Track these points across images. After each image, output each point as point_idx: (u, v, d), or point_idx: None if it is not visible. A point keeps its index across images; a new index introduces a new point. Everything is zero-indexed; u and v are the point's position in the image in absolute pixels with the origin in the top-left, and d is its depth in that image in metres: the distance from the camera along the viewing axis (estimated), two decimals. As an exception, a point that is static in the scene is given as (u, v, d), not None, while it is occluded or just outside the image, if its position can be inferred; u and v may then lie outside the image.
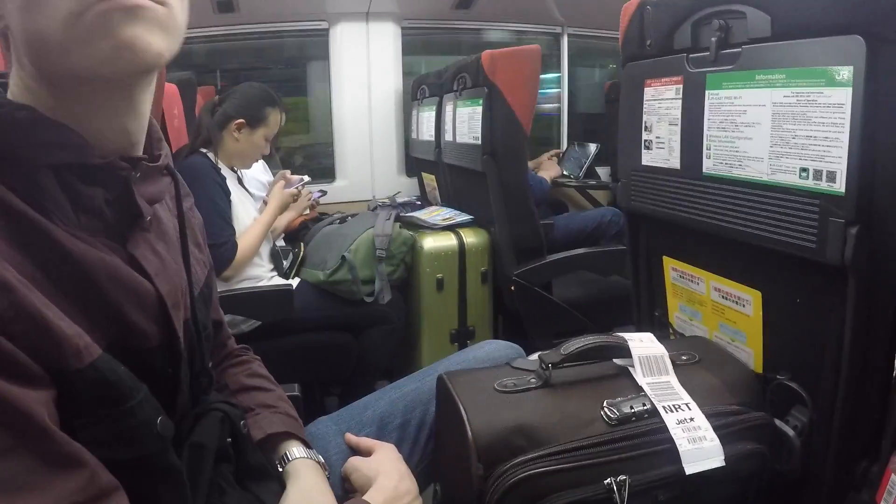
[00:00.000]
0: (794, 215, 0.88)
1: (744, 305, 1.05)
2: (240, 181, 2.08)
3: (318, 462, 0.85)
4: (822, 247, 0.84)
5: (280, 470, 0.82)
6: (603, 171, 3.23)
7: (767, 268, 0.98)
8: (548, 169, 2.85)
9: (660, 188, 1.12)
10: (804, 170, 0.88)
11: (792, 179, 0.89)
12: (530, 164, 2.79)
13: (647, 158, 1.16)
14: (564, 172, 2.96)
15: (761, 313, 1.02)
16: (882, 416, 0.90)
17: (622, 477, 0.83)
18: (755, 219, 0.94)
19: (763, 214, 0.93)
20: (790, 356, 1.00)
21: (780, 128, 0.91)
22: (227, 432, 0.75)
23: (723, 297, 1.10)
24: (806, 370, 0.97)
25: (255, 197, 2.17)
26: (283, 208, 2.11)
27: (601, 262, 2.11)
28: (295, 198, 2.16)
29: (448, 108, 2.37)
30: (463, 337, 2.25)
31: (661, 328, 1.26)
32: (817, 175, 0.86)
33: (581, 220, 2.59)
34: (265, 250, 2.05)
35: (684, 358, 1.01)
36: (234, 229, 1.87)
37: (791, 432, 0.98)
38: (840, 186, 0.82)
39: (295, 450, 0.84)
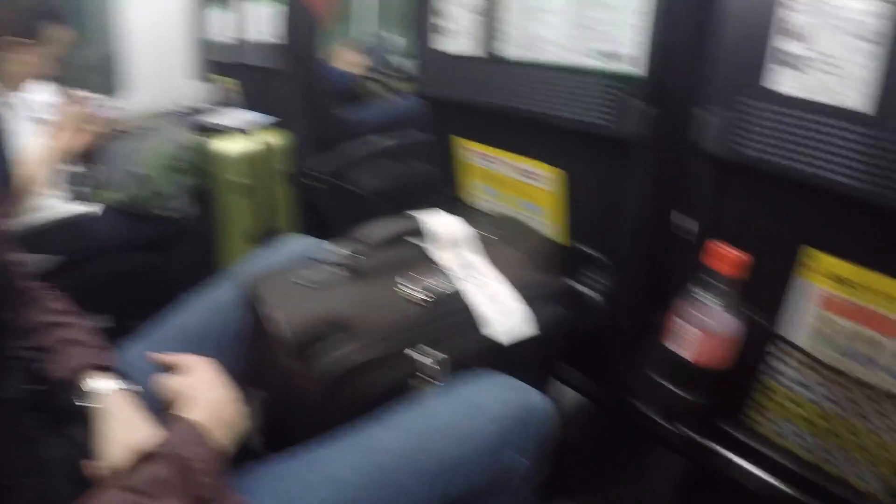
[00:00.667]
0: (594, 97, 0.93)
1: (544, 182, 1.12)
2: (25, 107, 1.84)
3: (135, 391, 0.82)
4: (620, 126, 0.91)
5: (94, 407, 0.79)
6: (408, 62, 3.20)
7: (567, 146, 1.05)
8: (348, 60, 2.77)
9: (458, 73, 1.13)
10: (602, 52, 0.92)
11: (591, 62, 0.94)
12: (330, 56, 2.70)
13: (445, 44, 1.16)
14: (368, 64, 2.90)
15: (561, 189, 1.08)
16: (669, 273, 1.02)
17: (434, 352, 0.88)
18: (555, 100, 0.98)
19: (564, 96, 0.97)
20: (589, 226, 1.10)
21: (578, 11, 0.94)
22: (25, 379, 0.70)
23: (523, 175, 1.15)
24: (604, 238, 1.06)
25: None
26: (71, 130, 1.90)
27: (402, 149, 2.12)
28: (83, 117, 1.95)
29: (243, 6, 2.22)
30: (270, 239, 2.20)
31: (463, 209, 1.31)
32: (615, 57, 0.91)
33: (382, 110, 2.58)
34: (58, 178, 1.86)
35: (487, 234, 1.07)
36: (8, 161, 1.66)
37: (592, 294, 1.08)
38: (637, 68, 0.88)
39: (104, 383, 0.80)
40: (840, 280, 0.79)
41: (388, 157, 2.25)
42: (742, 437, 1.03)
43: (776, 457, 1.00)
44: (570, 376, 1.35)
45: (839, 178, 0.72)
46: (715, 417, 1.03)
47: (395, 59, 2.97)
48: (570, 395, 1.59)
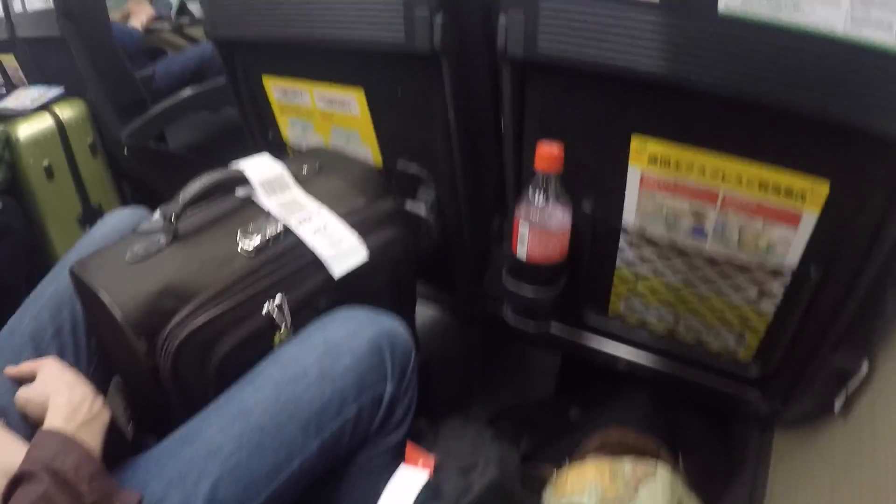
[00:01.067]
0: (382, 11, 0.89)
1: (350, 107, 1.08)
2: None
3: None
4: (411, 38, 0.87)
5: None
6: (196, 7, 2.97)
7: (366, 65, 1.01)
8: (137, 15, 2.55)
9: (244, 7, 1.05)
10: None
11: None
12: (117, 14, 2.47)
13: None
14: (156, 16, 2.67)
15: (367, 110, 1.05)
16: (501, 175, 1.01)
17: (279, 297, 0.84)
18: (347, 21, 0.93)
19: (354, 15, 0.92)
20: (405, 143, 1.07)
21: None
22: None
23: (328, 103, 1.10)
24: (422, 152, 1.05)
25: None
26: None
27: (210, 98, 1.99)
28: None
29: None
30: (93, 219, 2.04)
31: (278, 149, 1.26)
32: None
33: (182, 61, 2.39)
34: None
35: (305, 171, 1.03)
36: None
37: (423, 211, 1.08)
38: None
39: None
40: (659, 160, 0.81)
41: (199, 108, 2.11)
42: (605, 324, 1.08)
43: (636, 336, 1.06)
44: (433, 294, 1.37)
45: (641, 65, 0.74)
46: (578, 309, 1.08)
47: (180, 5, 2.74)
48: (437, 314, 1.62)
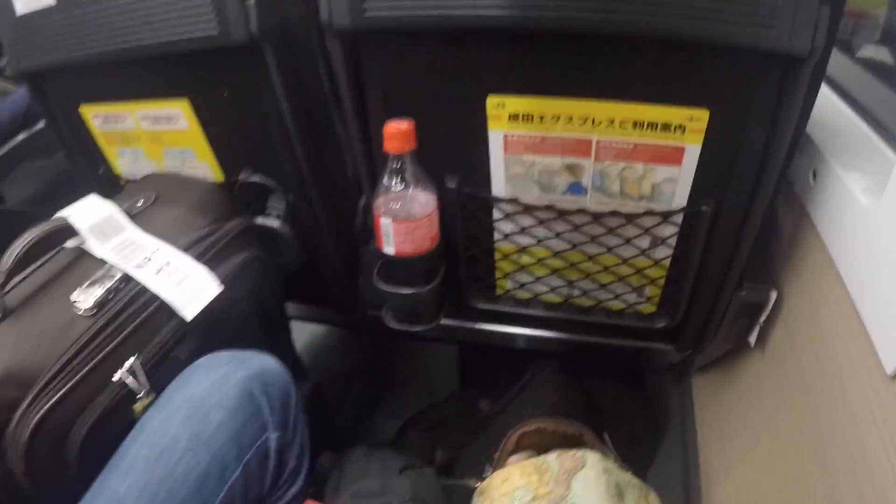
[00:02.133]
0: (188, 5, 0.74)
1: (177, 122, 0.92)
2: None
3: None
4: (225, 28, 0.73)
5: None
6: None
7: (185, 71, 0.85)
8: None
9: (43, 33, 0.87)
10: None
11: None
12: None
13: (20, 6, 0.88)
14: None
15: (196, 121, 0.90)
16: (354, 167, 0.88)
17: (130, 361, 0.70)
18: (150, 22, 0.78)
19: (156, 14, 0.77)
20: (244, 151, 0.93)
21: None
22: None
23: (153, 122, 0.94)
24: (264, 158, 0.91)
25: None
26: None
27: (43, 142, 1.75)
28: None
29: None
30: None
31: (111, 185, 1.08)
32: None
33: (8, 108, 2.11)
34: None
35: (140, 204, 0.87)
36: None
37: (276, 223, 0.94)
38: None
39: None
40: (520, 117, 0.72)
41: (36, 155, 1.85)
42: (495, 305, 0.99)
43: (531, 310, 0.97)
44: (312, 312, 1.23)
45: (480, 13, 0.64)
46: (463, 295, 0.98)
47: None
48: (322, 330, 1.51)
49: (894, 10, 0.95)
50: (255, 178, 0.93)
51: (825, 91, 0.88)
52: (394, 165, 0.75)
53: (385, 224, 0.77)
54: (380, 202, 0.77)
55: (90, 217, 0.80)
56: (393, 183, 0.75)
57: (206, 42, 0.76)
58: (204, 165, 0.97)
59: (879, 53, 0.94)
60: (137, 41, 0.80)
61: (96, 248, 0.78)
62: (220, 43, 0.75)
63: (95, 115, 0.98)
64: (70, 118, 1.01)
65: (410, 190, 0.76)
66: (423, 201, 0.77)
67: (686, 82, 0.66)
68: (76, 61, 0.87)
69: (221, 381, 0.71)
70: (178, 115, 0.91)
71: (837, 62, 0.92)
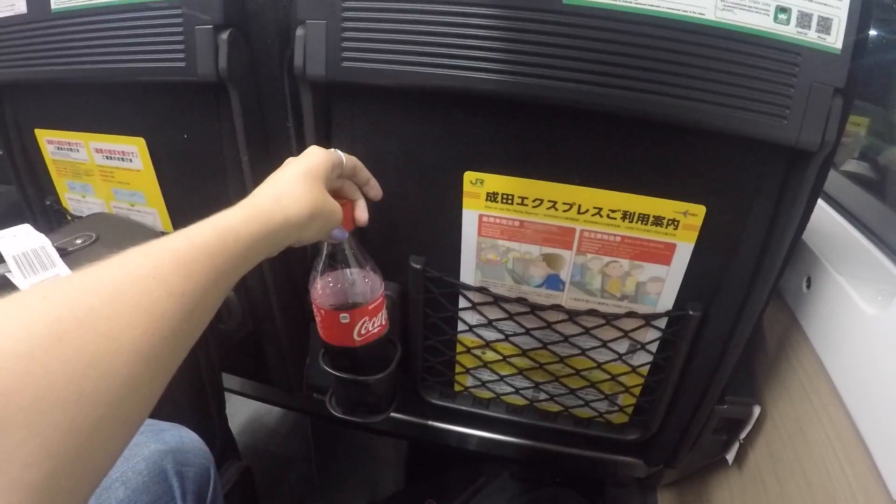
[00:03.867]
0: (157, 31, 0.68)
1: (131, 160, 0.84)
2: None
3: None
4: (192, 63, 0.67)
5: None
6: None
7: (146, 107, 0.77)
8: None
9: (7, 42, 0.79)
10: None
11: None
12: None
13: None
14: None
15: (150, 163, 0.82)
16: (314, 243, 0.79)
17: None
18: (115, 47, 0.71)
19: (123, 39, 0.70)
20: (195, 205, 0.83)
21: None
22: None
23: (107, 157, 0.86)
24: (218, 212, 0.82)
25: None
26: None
27: None
28: None
29: None
30: None
31: (58, 216, 0.98)
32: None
33: None
34: None
35: (78, 242, 0.79)
36: None
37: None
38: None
39: None
40: (499, 198, 0.65)
41: None
42: (452, 403, 0.89)
43: (491, 411, 0.88)
44: (252, 388, 1.12)
45: (470, 82, 0.58)
46: (417, 389, 0.88)
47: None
48: (262, 408, 1.40)
49: (872, 133, 0.95)
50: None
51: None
52: (327, 249, 0.65)
53: (319, 311, 0.68)
54: (316, 286, 0.67)
55: (17, 246, 0.74)
56: (328, 266, 0.66)
57: (171, 73, 0.69)
58: (153, 212, 0.89)
59: (861, 168, 0.93)
60: (102, 64, 0.72)
61: (19, 279, 0.71)
62: (186, 77, 0.68)
63: (50, 141, 0.91)
64: (24, 140, 0.94)
65: (349, 275, 0.67)
66: (362, 289, 0.68)
67: (683, 174, 0.60)
68: (38, 78, 0.80)
69: (129, 453, 0.62)
70: (133, 152, 0.84)
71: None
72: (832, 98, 0.54)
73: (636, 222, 0.63)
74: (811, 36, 0.52)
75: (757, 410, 0.78)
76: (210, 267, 0.41)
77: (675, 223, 0.62)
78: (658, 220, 0.62)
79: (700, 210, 0.61)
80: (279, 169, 0.54)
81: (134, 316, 0.35)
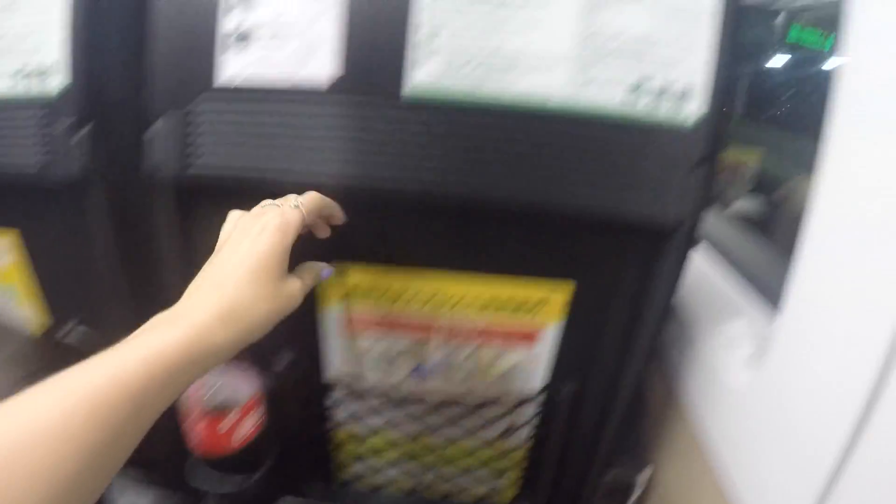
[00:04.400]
0: (10, 128, 0.63)
1: (2, 255, 0.76)
2: None
3: None
4: (48, 166, 0.61)
5: None
6: None
7: (15, 199, 0.71)
8: None
9: None
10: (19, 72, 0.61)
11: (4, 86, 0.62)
12: None
13: None
14: None
15: (23, 257, 0.74)
16: None
17: None
18: None
19: None
20: (73, 298, 0.76)
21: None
22: None
23: None
24: (95, 307, 0.74)
25: None
26: None
27: None
28: None
29: None
30: None
31: None
32: (38, 75, 0.61)
33: None
34: None
35: None
36: None
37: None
38: (55, 85, 0.59)
39: None
40: (361, 291, 0.60)
41: None
42: (335, 494, 0.83)
43: (378, 500, 0.82)
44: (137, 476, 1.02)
45: (321, 177, 0.53)
46: (299, 483, 0.82)
47: None
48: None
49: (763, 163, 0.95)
50: (80, 335, 0.76)
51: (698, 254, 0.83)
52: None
53: (192, 416, 0.61)
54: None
55: None
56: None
57: (24, 176, 0.63)
58: (28, 308, 0.79)
59: (752, 205, 0.92)
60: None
61: None
62: (41, 181, 0.62)
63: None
64: None
65: (218, 377, 0.60)
66: (232, 391, 0.62)
67: (548, 253, 0.58)
68: None
69: None
70: (3, 246, 0.75)
71: (709, 220, 0.89)
72: (690, 172, 0.51)
73: (502, 306, 0.59)
74: (665, 111, 0.50)
75: (647, 474, 0.75)
76: (132, 408, 0.35)
77: (542, 303, 0.59)
78: (524, 302, 0.59)
79: (566, 288, 0.58)
80: (219, 260, 0.45)
81: (33, 481, 0.30)
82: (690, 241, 0.57)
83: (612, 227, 0.54)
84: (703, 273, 0.80)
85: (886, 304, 0.40)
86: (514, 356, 0.62)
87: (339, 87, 0.51)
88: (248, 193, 0.57)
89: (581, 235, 0.56)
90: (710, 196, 0.55)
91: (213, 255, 0.47)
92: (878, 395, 0.40)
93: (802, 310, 0.50)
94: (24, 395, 0.32)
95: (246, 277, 0.43)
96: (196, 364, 0.39)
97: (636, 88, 0.50)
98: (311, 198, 0.50)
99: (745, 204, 0.90)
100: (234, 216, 0.50)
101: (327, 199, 0.51)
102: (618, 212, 0.52)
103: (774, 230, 0.84)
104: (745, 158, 1.03)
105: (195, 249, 0.63)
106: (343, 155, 0.52)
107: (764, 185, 0.93)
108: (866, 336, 0.41)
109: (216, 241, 0.56)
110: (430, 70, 0.49)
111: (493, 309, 0.59)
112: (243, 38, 0.53)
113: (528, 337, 0.61)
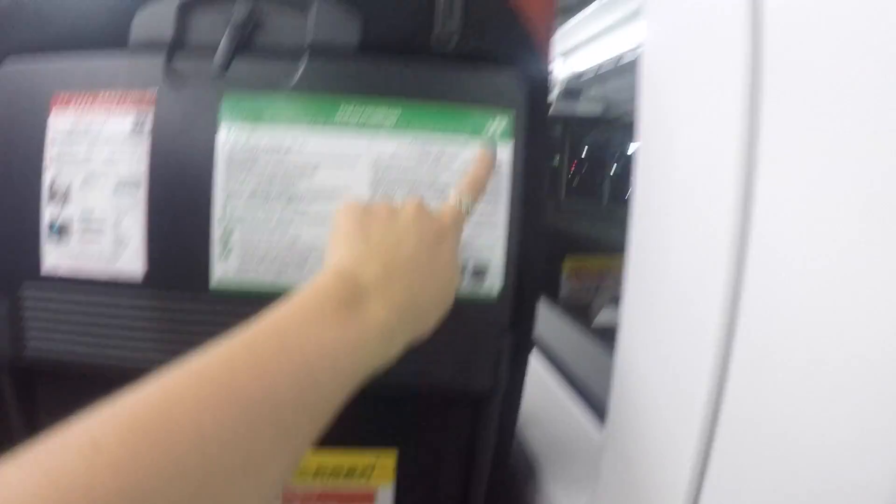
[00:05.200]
0: None
1: None
2: None
3: None
4: None
5: None
6: None
7: None
8: None
9: None
10: None
11: None
12: None
13: None
14: None
15: None
16: None
17: None
18: None
19: None
20: None
21: None
22: None
23: None
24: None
25: None
26: None
27: None
28: None
29: None
30: None
31: None
32: None
33: None
34: None
35: None
36: None
37: None
38: None
39: None
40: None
41: None
42: None
43: None
44: None
45: (139, 363, 0.54)
46: None
47: None
48: None
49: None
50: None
51: (545, 377, 0.85)
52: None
53: None
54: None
55: None
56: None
57: None
58: None
59: (615, 317, 0.93)
60: None
61: None
62: None
63: None
64: None
65: None
66: None
67: (371, 423, 0.58)
68: None
69: None
70: None
71: (570, 338, 0.90)
72: (498, 341, 0.54)
73: (331, 475, 0.60)
74: (465, 285, 0.52)
75: None
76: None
77: (370, 468, 0.59)
78: (352, 470, 0.59)
79: (391, 455, 0.59)
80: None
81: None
82: (515, 402, 0.59)
83: (430, 396, 0.56)
84: (550, 403, 0.81)
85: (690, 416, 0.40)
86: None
87: (152, 280, 0.53)
88: (87, 375, 0.58)
89: (403, 403, 0.58)
90: (525, 359, 0.57)
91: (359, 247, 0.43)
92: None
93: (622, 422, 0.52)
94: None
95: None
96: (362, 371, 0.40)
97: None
98: (476, 189, 0.50)
99: (610, 315, 0.86)
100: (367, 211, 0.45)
101: (482, 177, 0.50)
102: (432, 382, 0.54)
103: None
104: (610, 265, 0.97)
105: (36, 428, 0.64)
106: (159, 345, 0.53)
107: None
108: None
109: (61, 420, 0.57)
110: (230, 266, 0.51)
111: (322, 477, 0.60)
112: (61, 230, 0.55)
113: (366, 498, 0.62)
